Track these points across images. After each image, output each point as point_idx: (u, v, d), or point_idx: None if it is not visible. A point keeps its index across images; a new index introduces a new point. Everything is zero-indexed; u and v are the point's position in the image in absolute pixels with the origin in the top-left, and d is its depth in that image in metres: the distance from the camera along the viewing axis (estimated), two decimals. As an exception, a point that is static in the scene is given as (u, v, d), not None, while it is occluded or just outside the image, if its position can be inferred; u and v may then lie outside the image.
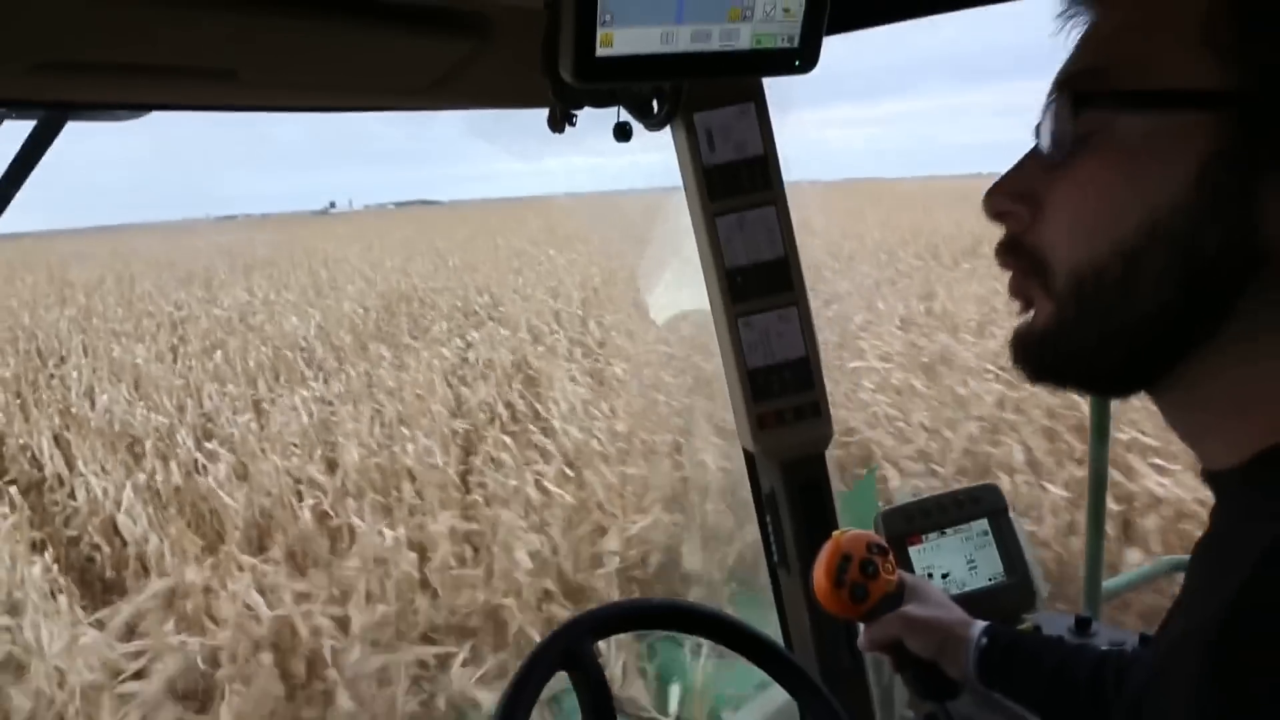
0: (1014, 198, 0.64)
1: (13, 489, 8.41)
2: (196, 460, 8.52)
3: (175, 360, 13.35)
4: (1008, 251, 0.65)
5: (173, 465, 8.39)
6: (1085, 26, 0.63)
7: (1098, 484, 2.27)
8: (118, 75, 1.13)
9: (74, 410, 10.58)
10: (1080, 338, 0.60)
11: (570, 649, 1.13)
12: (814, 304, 1.49)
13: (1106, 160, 0.58)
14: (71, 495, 8.16)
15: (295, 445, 8.82)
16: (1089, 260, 0.59)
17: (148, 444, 9.04)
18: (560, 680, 1.14)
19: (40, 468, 8.93)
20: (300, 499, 7.57)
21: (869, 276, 16.49)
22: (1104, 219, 0.58)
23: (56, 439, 9.43)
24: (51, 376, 12.61)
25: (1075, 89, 0.60)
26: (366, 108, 1.46)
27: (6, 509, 7.78)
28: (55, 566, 6.59)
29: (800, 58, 1.06)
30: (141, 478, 8.19)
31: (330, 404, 10.16)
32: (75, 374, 12.30)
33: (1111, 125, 0.58)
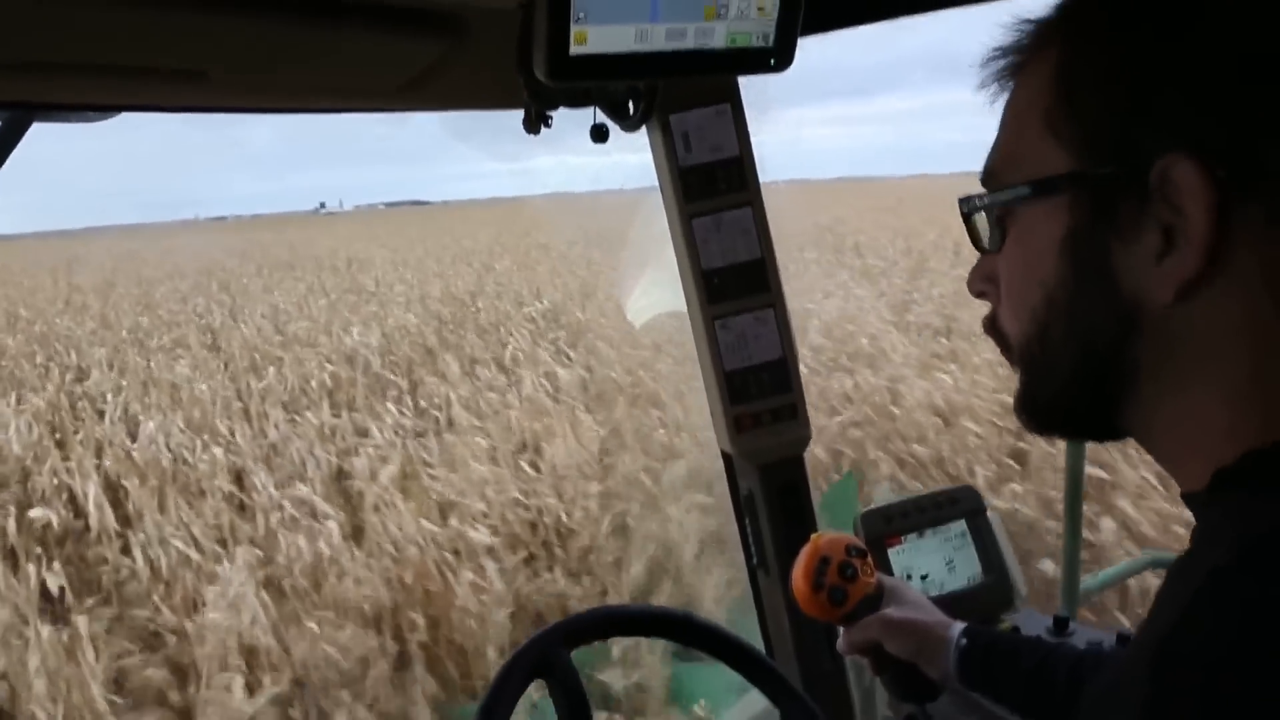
0: (983, 279, 0.72)
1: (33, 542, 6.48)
2: (284, 510, 6.66)
3: (225, 379, 11.12)
4: (988, 330, 0.73)
5: (261, 519, 6.59)
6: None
7: (1074, 485, 2.28)
8: (85, 76, 1.11)
9: (112, 440, 8.54)
10: (1040, 400, 0.68)
11: (545, 657, 1.12)
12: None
13: (1014, 246, 0.67)
14: (125, 552, 6.35)
15: (412, 490, 6.89)
16: (1022, 334, 0.67)
17: (217, 485, 7.22)
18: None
19: (79, 513, 6.99)
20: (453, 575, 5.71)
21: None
22: (1021, 298, 0.66)
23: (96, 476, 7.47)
24: (79, 398, 10.52)
25: (984, 188, 0.69)
26: (339, 109, 1.45)
27: (37, 569, 5.82)
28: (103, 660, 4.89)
29: (775, 56, 1.06)
30: (210, 519, 6.53)
31: (423, 435, 8.44)
32: (108, 395, 10.36)
33: (1011, 215, 0.66)
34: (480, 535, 6.10)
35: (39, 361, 12.88)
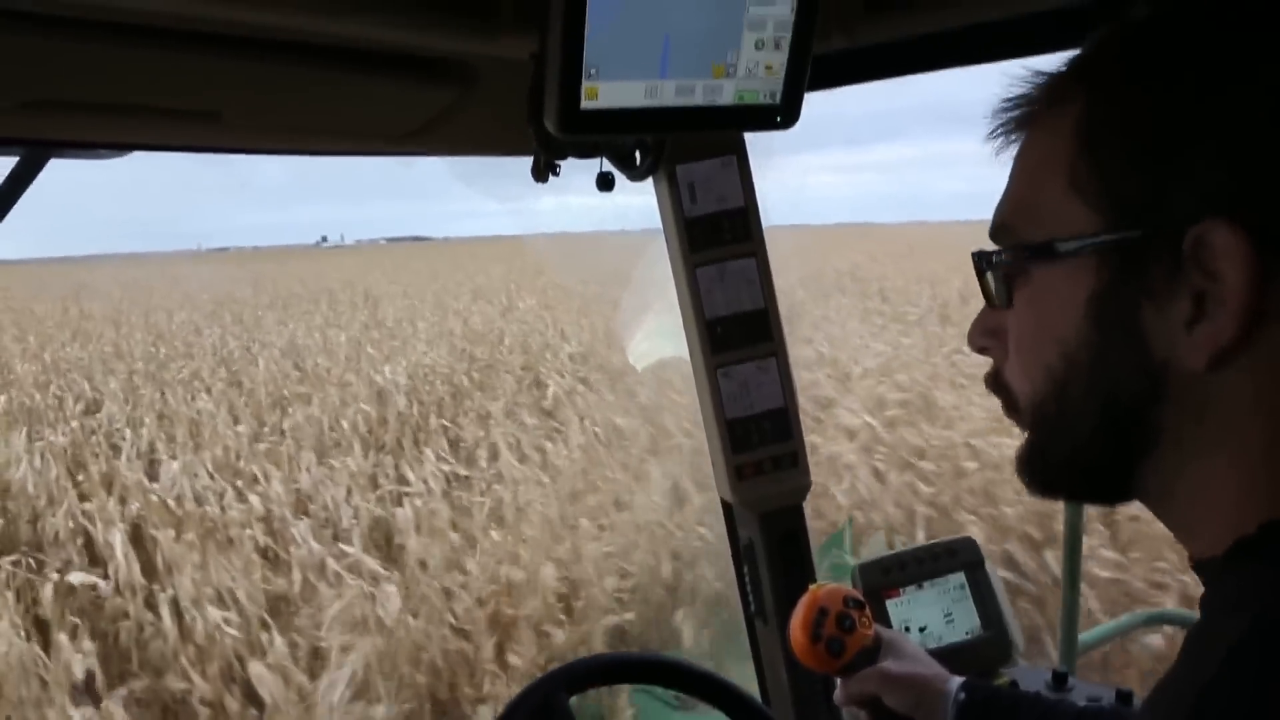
0: (986, 335, 0.71)
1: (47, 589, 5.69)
2: (325, 566, 6.06)
3: (249, 416, 10.52)
4: (990, 383, 0.71)
5: (297, 575, 6.00)
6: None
7: (1073, 541, 2.28)
8: (103, 115, 1.13)
9: (128, 481, 7.71)
10: (1049, 460, 0.67)
11: (546, 702, 1.12)
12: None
13: (1028, 304, 0.65)
14: (150, 606, 5.69)
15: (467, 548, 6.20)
16: (1034, 393, 0.65)
17: (248, 536, 6.58)
18: None
19: (95, 559, 6.46)
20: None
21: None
22: (1035, 355, 0.64)
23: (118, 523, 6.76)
24: (92, 432, 9.87)
25: (995, 244, 0.67)
26: (350, 152, 1.47)
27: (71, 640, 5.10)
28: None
29: (782, 114, 1.08)
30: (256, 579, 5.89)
31: (467, 483, 7.79)
32: (125, 430, 9.75)
33: (1025, 272, 0.64)
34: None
35: (52, 392, 12.28)
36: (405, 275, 37.36)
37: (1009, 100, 0.66)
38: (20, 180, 1.35)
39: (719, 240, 1.45)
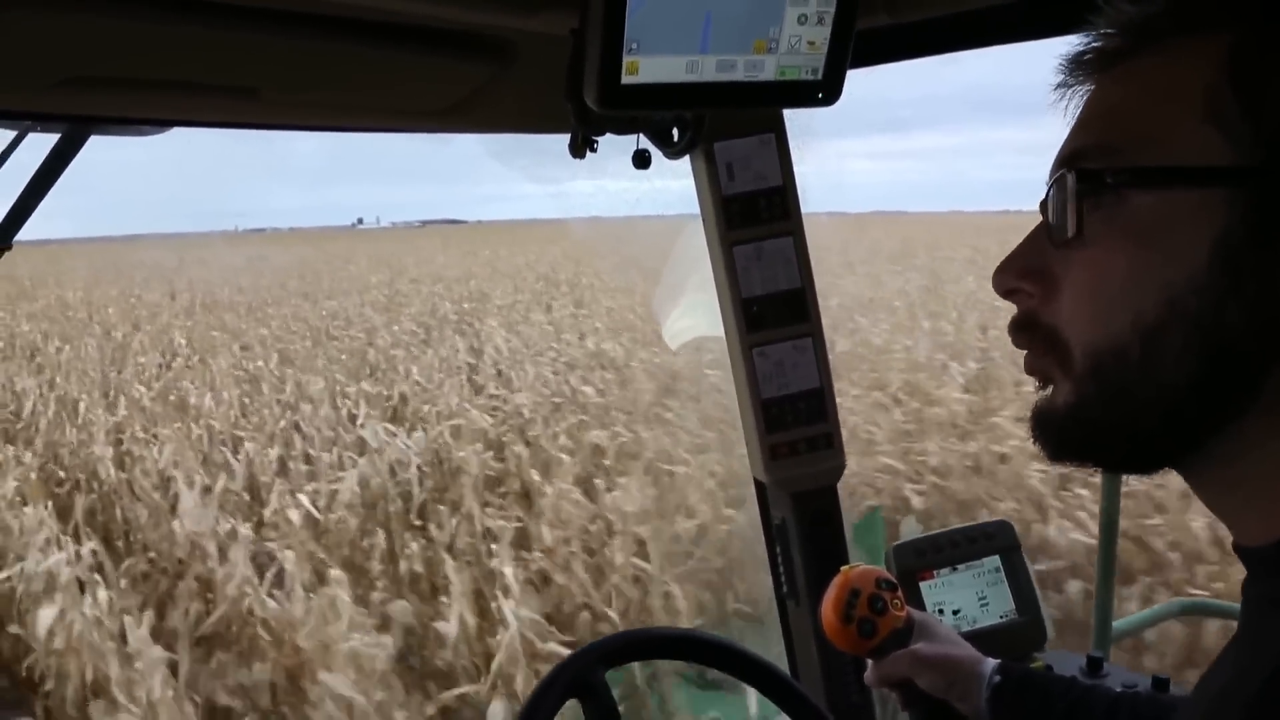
0: (1024, 274, 0.64)
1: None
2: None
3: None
4: (1021, 329, 0.64)
5: None
6: (1086, 97, 0.63)
7: (1109, 526, 2.25)
8: (142, 91, 1.14)
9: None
10: (1102, 417, 0.60)
11: (581, 677, 1.12)
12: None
13: (1121, 238, 0.57)
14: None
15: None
16: (1107, 339, 0.58)
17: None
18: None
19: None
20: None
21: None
22: (1121, 297, 0.57)
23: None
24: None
25: (1084, 166, 0.59)
26: (387, 128, 1.47)
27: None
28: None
29: (824, 90, 1.06)
30: None
31: None
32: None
33: (1124, 202, 0.57)
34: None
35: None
36: (469, 261, 36.13)
37: (1109, 30, 0.61)
38: (63, 156, 1.37)
39: (756, 219, 1.44)
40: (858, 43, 1.05)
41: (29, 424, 10.63)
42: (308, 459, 8.92)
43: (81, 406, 10.89)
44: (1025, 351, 0.65)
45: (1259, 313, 0.53)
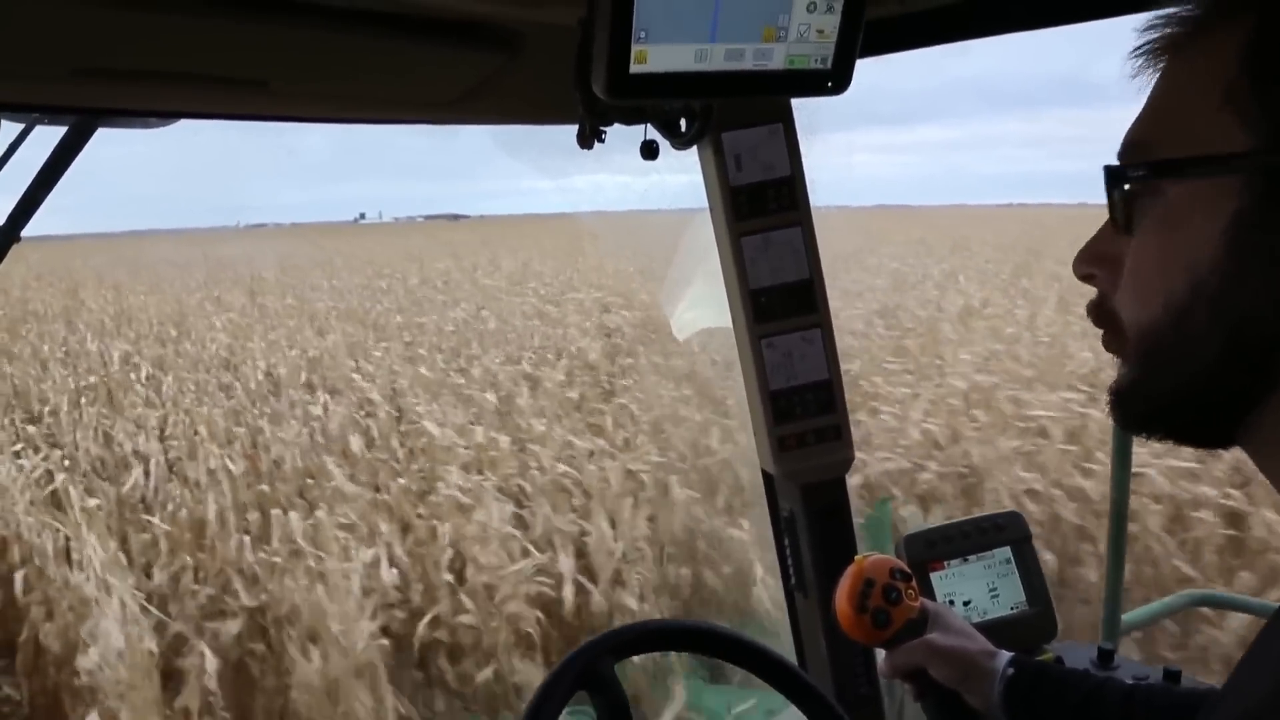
0: (1094, 260, 0.69)
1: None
2: None
3: None
4: (1094, 312, 0.69)
5: None
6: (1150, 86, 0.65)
7: (1119, 513, 2.25)
8: (150, 83, 1.13)
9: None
10: (1153, 394, 0.64)
11: (590, 669, 1.12)
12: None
13: (1155, 225, 0.62)
14: None
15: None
16: (1148, 320, 0.62)
17: None
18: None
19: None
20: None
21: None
22: (1156, 280, 0.62)
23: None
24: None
25: (1126, 161, 0.65)
26: (396, 119, 1.47)
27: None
28: None
29: (833, 79, 1.06)
30: None
31: None
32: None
33: (1159, 192, 0.61)
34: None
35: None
36: (481, 257, 33.89)
37: (1163, 17, 0.63)
38: (69, 149, 1.37)
39: (764, 210, 1.44)
40: (867, 31, 1.04)
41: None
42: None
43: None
44: (1102, 331, 0.69)
45: (1271, 291, 0.56)
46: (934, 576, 1.52)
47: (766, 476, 1.60)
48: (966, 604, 1.51)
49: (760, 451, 1.54)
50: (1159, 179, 0.61)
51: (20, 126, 1.34)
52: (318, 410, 9.67)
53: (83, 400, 10.68)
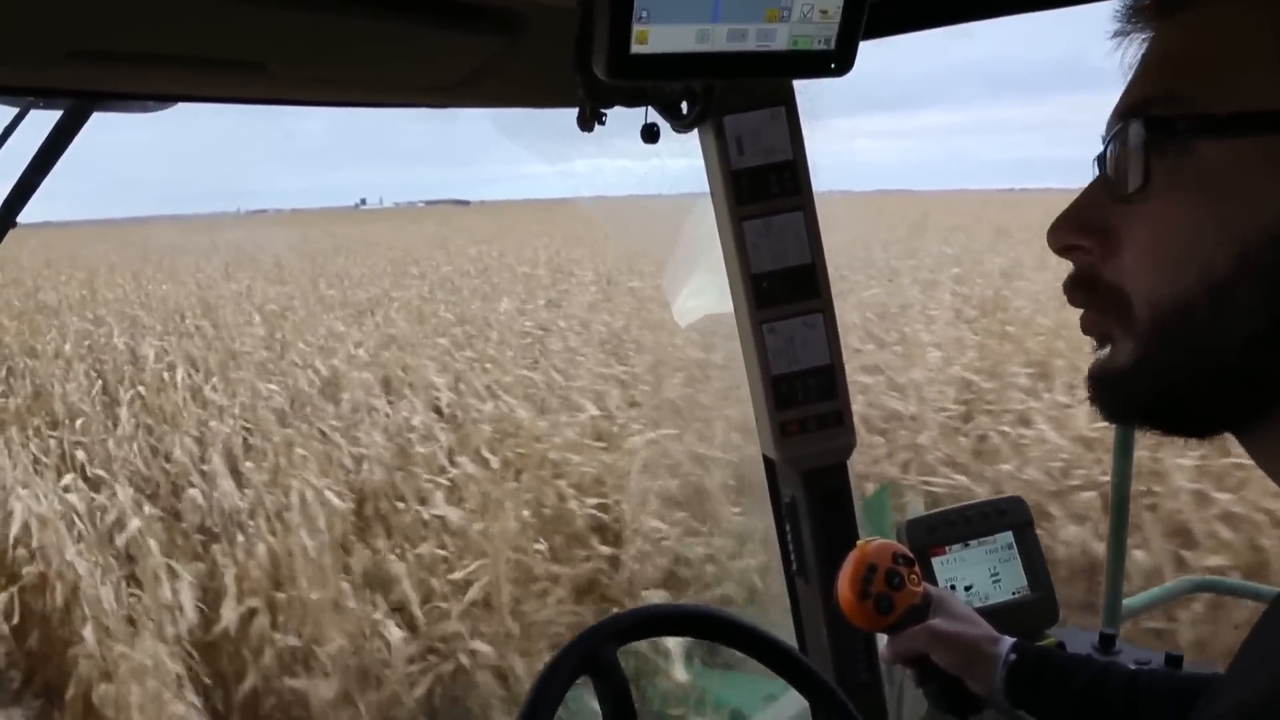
0: (1081, 230, 0.61)
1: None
2: None
3: None
4: (1079, 287, 0.62)
5: None
6: (1146, 45, 0.60)
7: (1120, 501, 2.24)
8: (147, 65, 1.12)
9: None
10: (1166, 376, 0.58)
11: (593, 654, 1.12)
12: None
13: (1188, 189, 0.55)
14: None
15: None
16: (1174, 295, 0.55)
17: None
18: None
19: None
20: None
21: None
22: (1190, 251, 0.55)
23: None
24: None
25: (1149, 115, 0.57)
26: (396, 103, 1.46)
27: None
28: None
29: (836, 60, 1.05)
30: None
31: None
32: None
33: (1191, 151, 0.55)
34: None
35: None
36: (506, 242, 32.79)
37: None
38: (65, 133, 1.35)
39: (766, 193, 1.43)
40: (871, 12, 1.03)
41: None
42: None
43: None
44: (1082, 310, 0.63)
45: None
46: (935, 561, 1.51)
47: (768, 462, 1.59)
48: (968, 589, 1.51)
49: (762, 437, 1.53)
50: (1196, 137, 0.54)
51: (15, 110, 1.33)
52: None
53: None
